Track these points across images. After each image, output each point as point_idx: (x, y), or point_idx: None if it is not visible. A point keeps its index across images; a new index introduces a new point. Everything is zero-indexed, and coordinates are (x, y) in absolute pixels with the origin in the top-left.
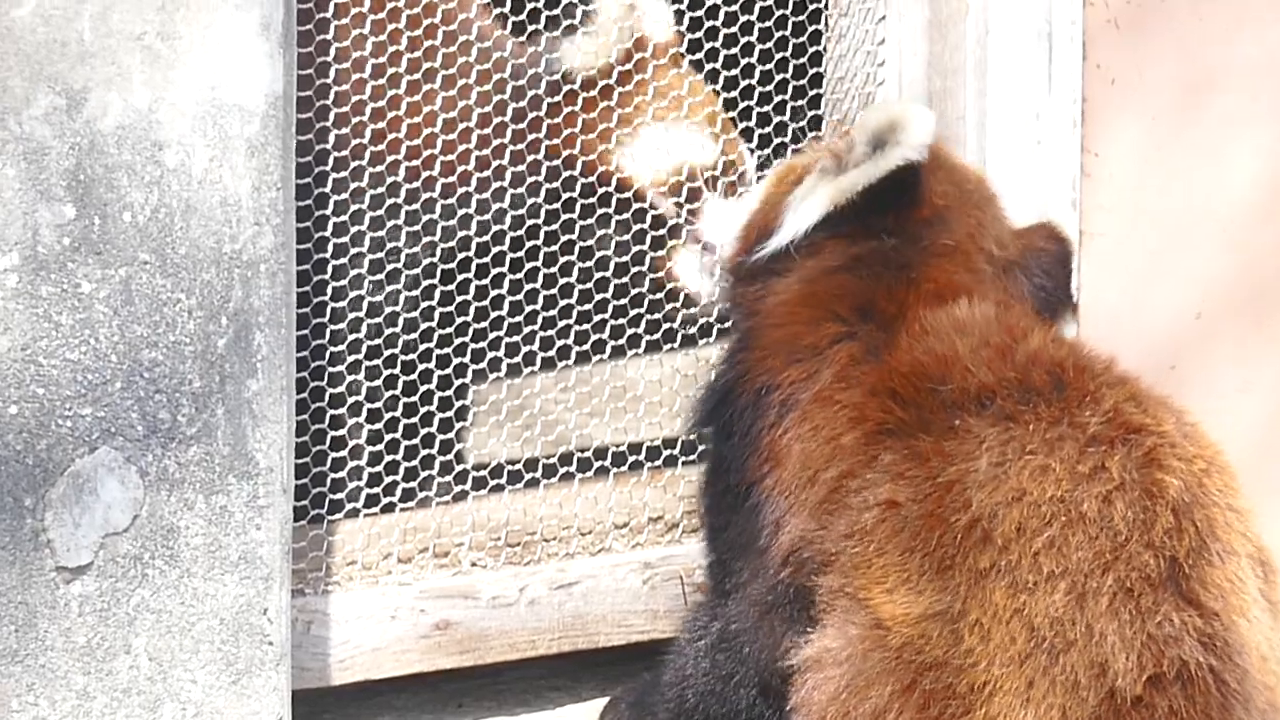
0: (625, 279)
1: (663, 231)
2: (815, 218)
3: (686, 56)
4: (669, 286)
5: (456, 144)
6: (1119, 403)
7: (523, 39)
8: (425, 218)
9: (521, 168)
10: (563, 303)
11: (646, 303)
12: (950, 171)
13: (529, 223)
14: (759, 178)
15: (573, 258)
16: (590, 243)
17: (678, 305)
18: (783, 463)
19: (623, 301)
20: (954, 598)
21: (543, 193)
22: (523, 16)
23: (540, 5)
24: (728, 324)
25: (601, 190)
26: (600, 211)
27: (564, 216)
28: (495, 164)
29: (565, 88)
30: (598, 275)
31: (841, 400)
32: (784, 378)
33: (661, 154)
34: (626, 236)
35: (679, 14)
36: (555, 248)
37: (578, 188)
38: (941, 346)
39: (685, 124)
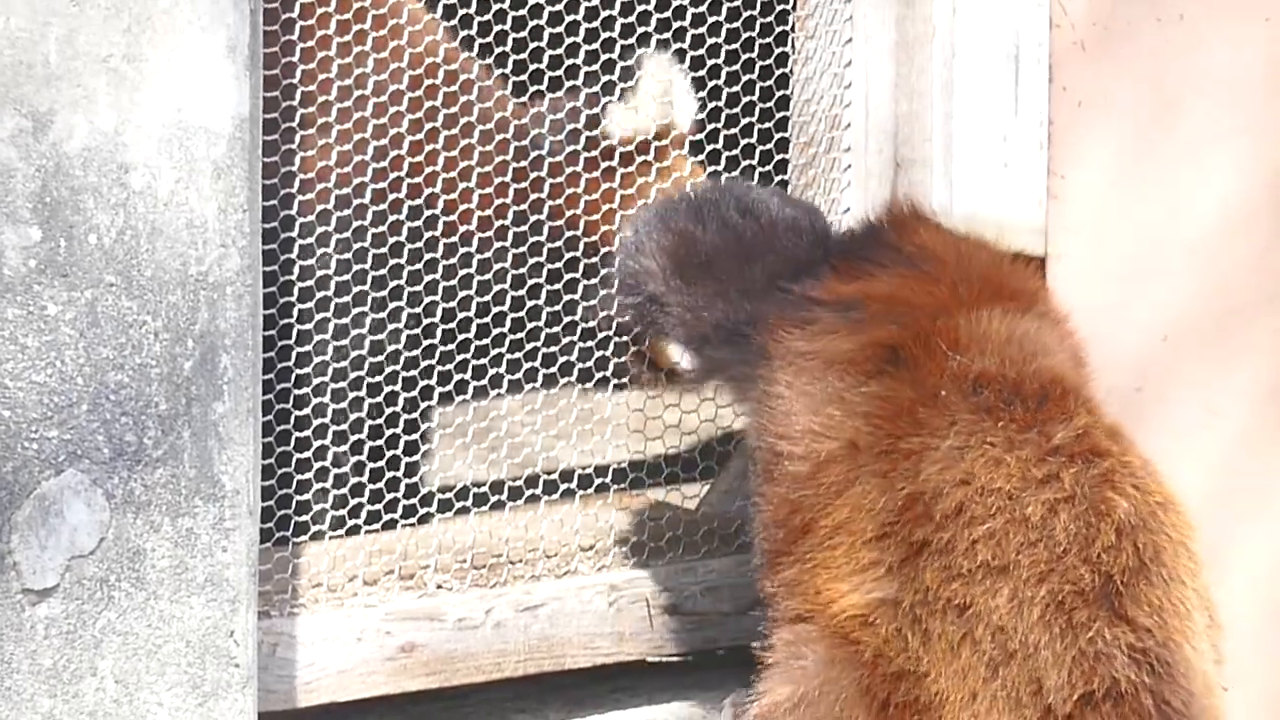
0: (610, 349)
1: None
2: None
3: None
4: (657, 358)
5: (457, 182)
6: (1090, 426)
7: (524, 99)
8: (392, 240)
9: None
10: (530, 325)
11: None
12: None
13: (495, 267)
14: None
15: (540, 280)
16: (584, 305)
17: (660, 377)
18: (847, 285)
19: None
20: (889, 576)
21: (530, 247)
22: (524, 77)
23: (575, 61)
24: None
25: (597, 254)
26: (595, 271)
27: (568, 276)
28: (496, 222)
29: (586, 153)
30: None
31: (900, 294)
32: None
33: None
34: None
35: (702, 105)
36: (523, 270)
37: (579, 248)
38: (986, 326)
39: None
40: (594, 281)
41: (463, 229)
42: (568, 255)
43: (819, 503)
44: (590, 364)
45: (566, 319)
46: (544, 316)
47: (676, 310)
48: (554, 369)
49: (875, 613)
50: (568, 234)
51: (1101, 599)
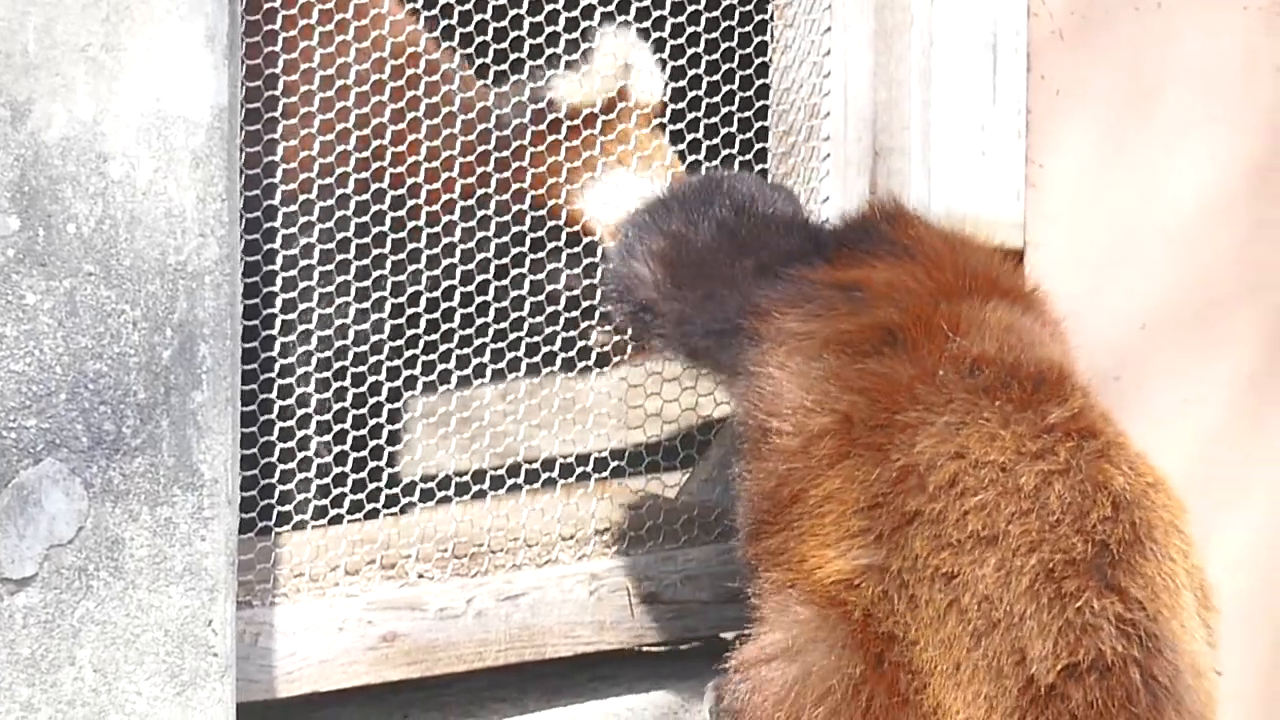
0: (576, 312)
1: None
2: None
3: (665, 125)
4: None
5: (440, 172)
6: (1085, 408)
7: (487, 82)
8: (375, 231)
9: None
10: (514, 315)
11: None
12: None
13: (479, 256)
14: None
15: (523, 270)
16: (540, 276)
17: (625, 351)
18: (838, 271)
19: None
20: (878, 543)
21: (493, 225)
22: (487, 59)
23: (540, 41)
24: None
25: (553, 225)
26: (551, 246)
27: (514, 250)
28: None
29: (533, 126)
30: (549, 309)
31: (894, 281)
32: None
33: (619, 199)
34: (577, 270)
35: (676, 88)
36: (506, 260)
37: (528, 221)
38: (986, 315)
39: (646, 176)
40: (541, 256)
41: (445, 219)
42: (531, 236)
43: (809, 474)
44: (573, 353)
45: (550, 309)
46: (527, 306)
47: (669, 320)
48: (537, 358)
49: (861, 577)
50: (531, 213)
51: (1094, 568)
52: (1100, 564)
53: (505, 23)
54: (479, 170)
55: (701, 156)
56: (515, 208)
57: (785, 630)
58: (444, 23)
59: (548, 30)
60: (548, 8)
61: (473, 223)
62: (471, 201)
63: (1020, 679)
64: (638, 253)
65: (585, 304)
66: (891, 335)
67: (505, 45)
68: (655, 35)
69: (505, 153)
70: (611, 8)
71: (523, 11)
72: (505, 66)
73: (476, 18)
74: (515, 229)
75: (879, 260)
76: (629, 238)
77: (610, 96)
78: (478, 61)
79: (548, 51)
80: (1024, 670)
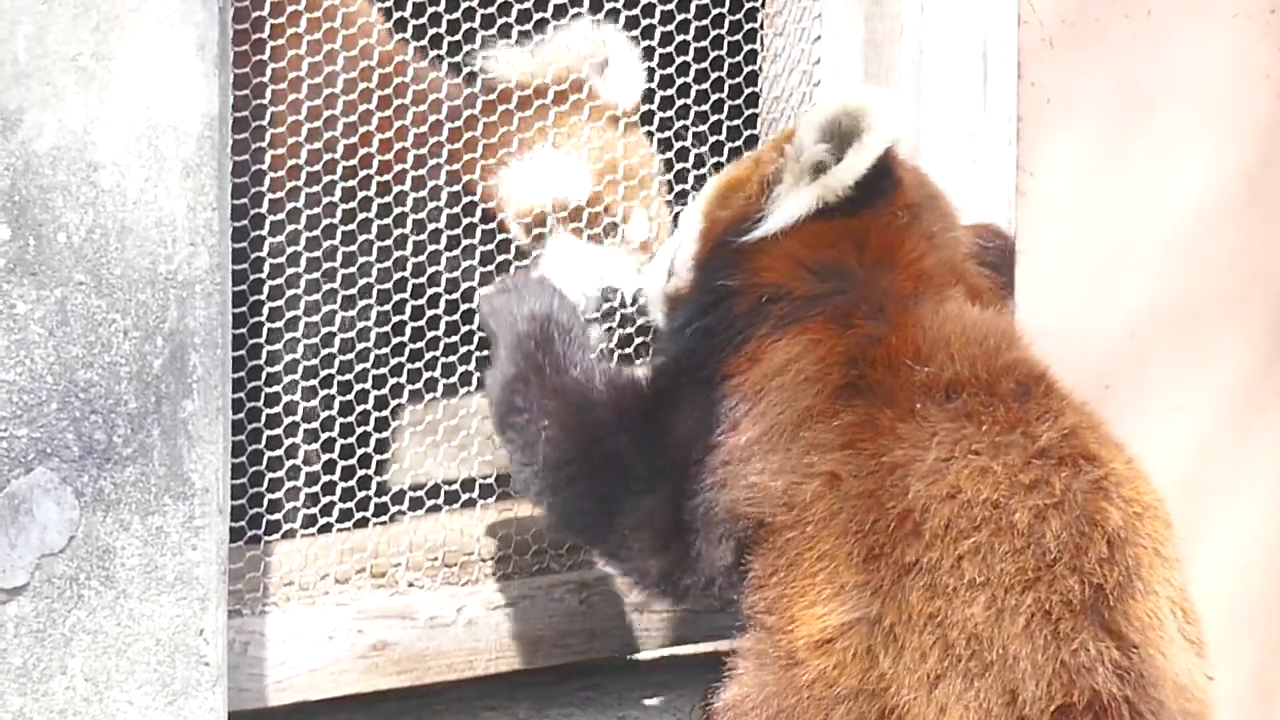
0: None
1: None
2: (801, 213)
3: (641, 126)
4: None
5: (392, 164)
6: (1077, 427)
7: (440, 74)
8: (361, 238)
9: (436, 182)
10: (464, 285)
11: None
12: (905, 164)
13: (464, 264)
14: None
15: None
16: (457, 272)
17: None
18: (761, 366)
19: None
20: (874, 596)
21: (444, 216)
22: (440, 51)
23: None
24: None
25: (468, 203)
26: (469, 231)
27: (499, 258)
28: (429, 180)
29: (482, 97)
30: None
31: (831, 341)
32: (792, 289)
33: (536, 182)
34: (490, 267)
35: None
36: (491, 268)
37: (460, 206)
38: (937, 330)
39: (568, 154)
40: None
41: (431, 227)
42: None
43: (804, 540)
44: None
45: None
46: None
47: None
48: None
49: (844, 634)
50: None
51: (1090, 611)
52: (1097, 606)
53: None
54: (465, 178)
55: (690, 164)
56: (465, 195)
57: (760, 686)
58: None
59: (516, 9)
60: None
61: (459, 230)
62: (458, 210)
63: (1011, 718)
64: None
65: None
66: (855, 388)
67: (458, 15)
68: (644, 44)
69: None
70: (600, 15)
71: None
72: (459, 37)
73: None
74: (501, 236)
75: (776, 336)
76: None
77: (562, 83)
78: (430, 32)
79: (499, 22)
80: (1014, 711)
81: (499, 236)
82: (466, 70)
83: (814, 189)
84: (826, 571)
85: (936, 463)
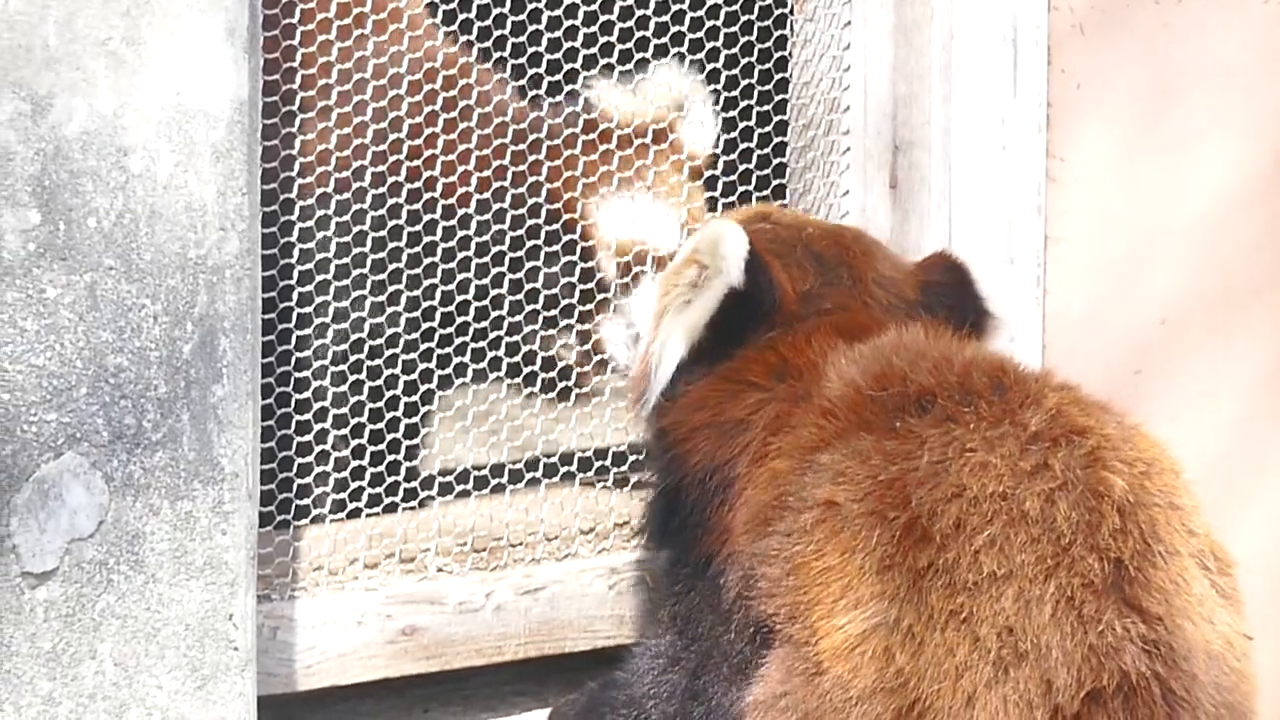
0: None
1: (592, 288)
2: (677, 362)
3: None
4: (591, 344)
5: (455, 165)
6: (1061, 404)
7: (524, 104)
8: (391, 223)
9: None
10: (529, 308)
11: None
12: (808, 247)
13: (494, 249)
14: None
15: (538, 263)
16: (487, 258)
17: (591, 368)
18: (735, 530)
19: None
20: (891, 603)
21: (508, 219)
22: (524, 81)
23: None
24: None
25: (558, 227)
26: (550, 249)
27: (529, 243)
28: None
29: (566, 130)
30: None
31: (777, 448)
32: (719, 457)
33: (632, 222)
34: (571, 280)
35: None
36: (521, 253)
37: (543, 215)
38: (875, 365)
39: (666, 208)
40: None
41: (461, 212)
42: (565, 237)
43: (807, 553)
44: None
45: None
46: (541, 300)
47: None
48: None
49: (865, 642)
50: (565, 216)
51: (1112, 589)
52: (1119, 583)
53: (560, 33)
54: (494, 164)
55: (719, 151)
56: (565, 216)
57: (790, 683)
58: (497, 33)
59: (582, 32)
60: (602, 18)
61: (488, 216)
62: (487, 195)
63: (1048, 709)
64: None
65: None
66: (825, 442)
67: (559, 55)
68: (674, 29)
69: (539, 155)
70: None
71: (578, 23)
72: (560, 77)
73: (530, 28)
74: (530, 222)
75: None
76: None
77: (648, 121)
78: (530, 72)
79: (601, 63)
80: (1050, 700)
81: (564, 259)
82: (569, 110)
83: (680, 332)
84: (839, 585)
85: (931, 466)
